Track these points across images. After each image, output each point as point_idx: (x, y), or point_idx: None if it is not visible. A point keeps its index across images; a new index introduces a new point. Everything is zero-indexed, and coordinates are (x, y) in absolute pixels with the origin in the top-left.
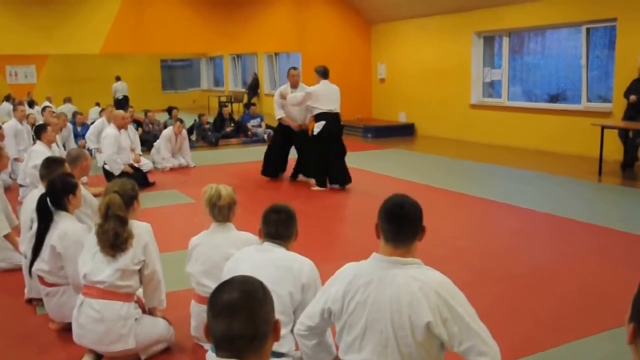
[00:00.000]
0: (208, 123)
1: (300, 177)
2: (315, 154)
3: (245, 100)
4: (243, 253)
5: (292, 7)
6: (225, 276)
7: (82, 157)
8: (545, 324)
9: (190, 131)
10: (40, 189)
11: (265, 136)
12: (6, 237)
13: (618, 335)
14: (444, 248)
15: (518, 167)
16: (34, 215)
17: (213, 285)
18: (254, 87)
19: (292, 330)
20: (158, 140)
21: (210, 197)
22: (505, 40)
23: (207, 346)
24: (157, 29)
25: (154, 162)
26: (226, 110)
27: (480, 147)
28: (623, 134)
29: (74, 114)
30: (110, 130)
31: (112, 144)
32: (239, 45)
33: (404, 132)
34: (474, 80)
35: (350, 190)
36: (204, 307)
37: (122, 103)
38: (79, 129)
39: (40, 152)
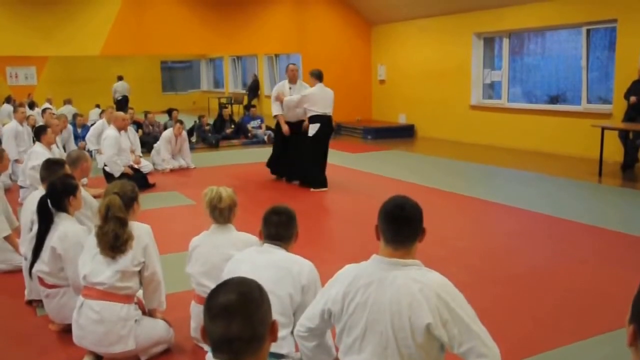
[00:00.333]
0: (208, 124)
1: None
2: (308, 156)
3: (245, 101)
4: (243, 254)
5: (292, 8)
6: (226, 277)
7: (83, 159)
8: (545, 325)
9: (190, 133)
10: (41, 191)
11: (265, 138)
12: (6, 238)
13: (618, 337)
14: (444, 249)
15: (518, 168)
16: (34, 217)
17: (213, 286)
18: (254, 89)
19: (292, 332)
20: (158, 142)
21: (211, 200)
22: (505, 42)
23: (207, 348)
24: (157, 30)
25: (154, 164)
26: (226, 112)
27: (480, 148)
28: (623, 135)
29: (74, 116)
30: (111, 131)
31: (112, 146)
32: (239, 46)
33: (403, 133)
34: (474, 81)
35: (351, 192)
36: None
37: (121, 104)
38: (79, 130)
39: (39, 153)
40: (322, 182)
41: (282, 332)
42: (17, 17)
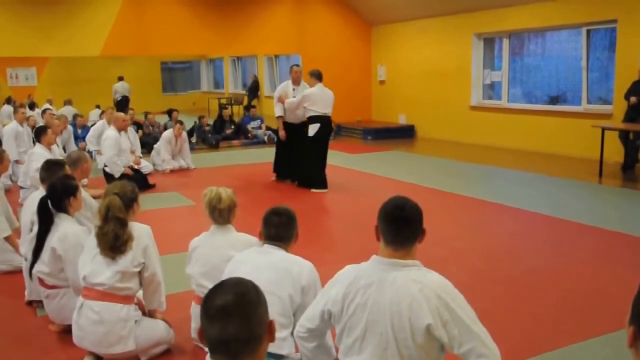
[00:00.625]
0: (208, 125)
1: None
2: (308, 156)
3: (245, 102)
4: (243, 255)
5: (292, 8)
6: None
7: (83, 160)
8: (545, 325)
9: (190, 133)
10: (41, 191)
11: (265, 138)
12: (7, 239)
13: (618, 338)
14: (444, 249)
15: (518, 169)
16: (35, 218)
17: None
18: (254, 89)
19: (292, 333)
20: (158, 143)
21: (211, 200)
22: (505, 42)
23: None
24: (157, 31)
25: (154, 164)
26: (226, 113)
27: (480, 148)
28: (623, 135)
29: (75, 116)
30: (111, 132)
31: (112, 146)
32: (239, 47)
33: (404, 134)
34: (474, 81)
35: (351, 192)
36: None
37: (121, 104)
38: (79, 131)
39: (40, 155)
40: (321, 183)
41: (282, 333)
42: (17, 18)
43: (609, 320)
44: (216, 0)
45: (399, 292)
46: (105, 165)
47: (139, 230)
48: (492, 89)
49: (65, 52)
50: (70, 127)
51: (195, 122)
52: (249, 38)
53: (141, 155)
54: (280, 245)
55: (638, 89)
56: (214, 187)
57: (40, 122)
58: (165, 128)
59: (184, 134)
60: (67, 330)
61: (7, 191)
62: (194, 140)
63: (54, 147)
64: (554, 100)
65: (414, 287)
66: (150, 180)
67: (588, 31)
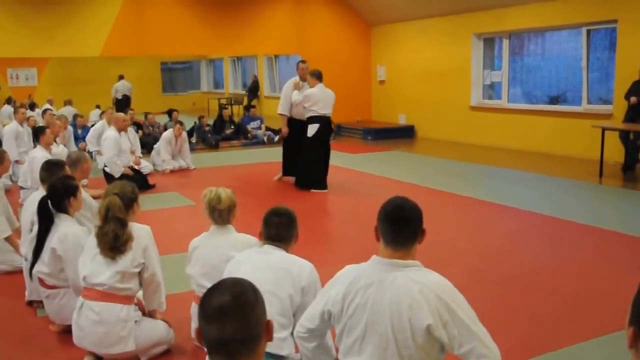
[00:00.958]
0: (208, 125)
1: (280, 175)
2: (306, 156)
3: (245, 102)
4: (243, 255)
5: (292, 9)
6: None
7: (83, 160)
8: (545, 326)
9: (190, 133)
10: (41, 191)
11: (265, 138)
12: (7, 239)
13: (618, 338)
14: (444, 250)
15: (518, 169)
16: (35, 218)
17: None
18: (253, 90)
19: (292, 333)
20: (158, 143)
21: (210, 201)
22: (505, 42)
23: None
24: (157, 31)
25: (154, 165)
26: (226, 113)
27: (480, 149)
28: (624, 135)
29: (75, 117)
30: (111, 132)
31: (112, 147)
32: (239, 47)
33: (403, 134)
34: (474, 82)
35: (351, 193)
36: None
37: (121, 103)
38: (79, 131)
39: (42, 158)
40: (321, 183)
41: (282, 333)
42: (17, 19)
43: (609, 321)
44: (216, 0)
45: (399, 293)
46: (105, 166)
47: (139, 231)
48: (492, 89)
49: (65, 52)
50: (70, 128)
51: (195, 122)
52: (249, 38)
53: (141, 155)
54: (280, 246)
55: (638, 89)
56: (214, 188)
57: (41, 123)
58: (165, 128)
59: (184, 134)
60: (67, 331)
61: (7, 191)
62: (193, 140)
63: (53, 146)
64: (554, 100)
65: (414, 287)
66: (150, 181)
67: (588, 31)
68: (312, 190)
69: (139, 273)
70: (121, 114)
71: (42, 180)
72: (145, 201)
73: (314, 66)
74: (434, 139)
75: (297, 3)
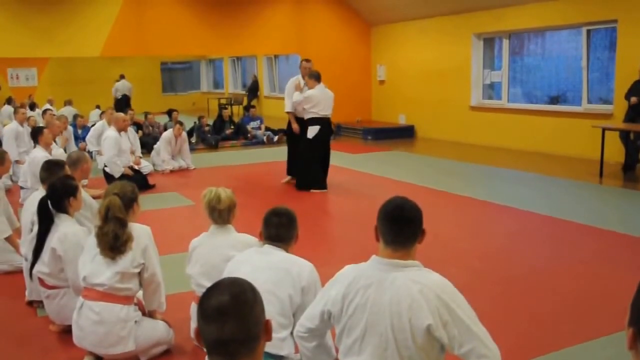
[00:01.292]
0: (208, 125)
1: (288, 178)
2: (307, 157)
3: (245, 102)
4: (243, 255)
5: (292, 9)
6: None
7: (83, 160)
8: (545, 326)
9: (190, 133)
10: (41, 191)
11: (265, 138)
12: (7, 239)
13: (618, 339)
14: (444, 250)
15: (518, 169)
16: (35, 218)
17: None
18: (253, 90)
19: (291, 333)
20: (158, 143)
21: (210, 201)
22: (505, 42)
23: None
24: (157, 31)
25: (154, 165)
26: (226, 113)
27: (480, 149)
28: (624, 135)
29: (75, 117)
30: (111, 132)
31: (112, 147)
32: (239, 47)
33: (403, 134)
34: (473, 82)
35: (351, 193)
36: None
37: (121, 103)
38: (79, 131)
39: (42, 159)
40: (320, 183)
41: (282, 334)
42: (17, 19)
43: (609, 321)
44: (216, 0)
45: (399, 293)
46: (105, 166)
47: (139, 231)
48: (492, 89)
49: (65, 52)
50: (70, 128)
51: (195, 122)
52: (249, 38)
53: (141, 155)
54: (280, 246)
55: (638, 89)
56: (214, 188)
57: (41, 123)
58: (165, 128)
59: (184, 134)
60: (67, 331)
61: (8, 191)
62: (193, 140)
63: (53, 145)
64: (554, 100)
65: (414, 287)
66: (150, 181)
67: (588, 31)
68: (312, 190)
69: (139, 273)
70: (121, 114)
71: (42, 180)
72: (145, 201)
73: (314, 66)
74: (434, 139)
75: (297, 3)
